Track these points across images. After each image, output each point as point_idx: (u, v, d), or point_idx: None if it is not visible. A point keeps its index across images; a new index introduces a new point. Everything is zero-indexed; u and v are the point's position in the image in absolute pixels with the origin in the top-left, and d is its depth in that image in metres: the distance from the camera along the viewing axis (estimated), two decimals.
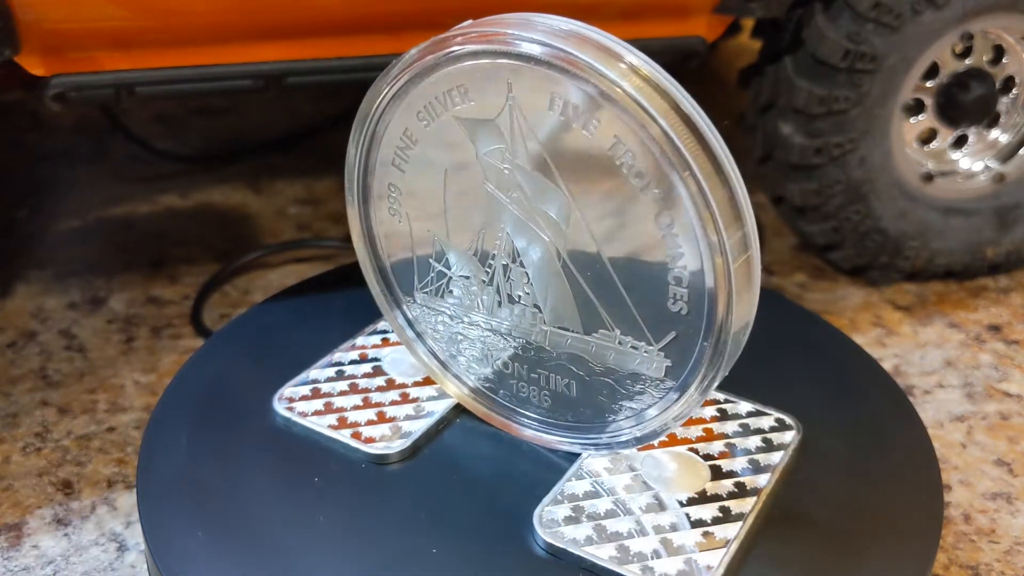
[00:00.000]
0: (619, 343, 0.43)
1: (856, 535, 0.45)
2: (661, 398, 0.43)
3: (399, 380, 0.54)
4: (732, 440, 0.49)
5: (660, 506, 0.45)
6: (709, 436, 0.49)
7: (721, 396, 0.52)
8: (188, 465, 0.49)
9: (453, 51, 0.41)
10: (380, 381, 0.54)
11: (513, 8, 0.41)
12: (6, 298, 0.81)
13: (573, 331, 0.45)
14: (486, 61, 0.40)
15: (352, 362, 0.55)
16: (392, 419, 0.51)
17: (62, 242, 0.90)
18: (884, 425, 0.52)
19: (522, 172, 0.42)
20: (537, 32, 0.38)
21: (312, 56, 0.67)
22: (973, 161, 0.82)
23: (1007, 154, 0.82)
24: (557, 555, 0.43)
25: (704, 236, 0.38)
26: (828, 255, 0.84)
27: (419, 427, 0.50)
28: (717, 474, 0.47)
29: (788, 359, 0.57)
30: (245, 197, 0.99)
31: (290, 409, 0.52)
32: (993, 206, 0.82)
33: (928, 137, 0.81)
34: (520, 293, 0.46)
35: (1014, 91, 0.81)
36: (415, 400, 0.52)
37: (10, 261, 0.86)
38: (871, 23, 0.71)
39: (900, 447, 0.51)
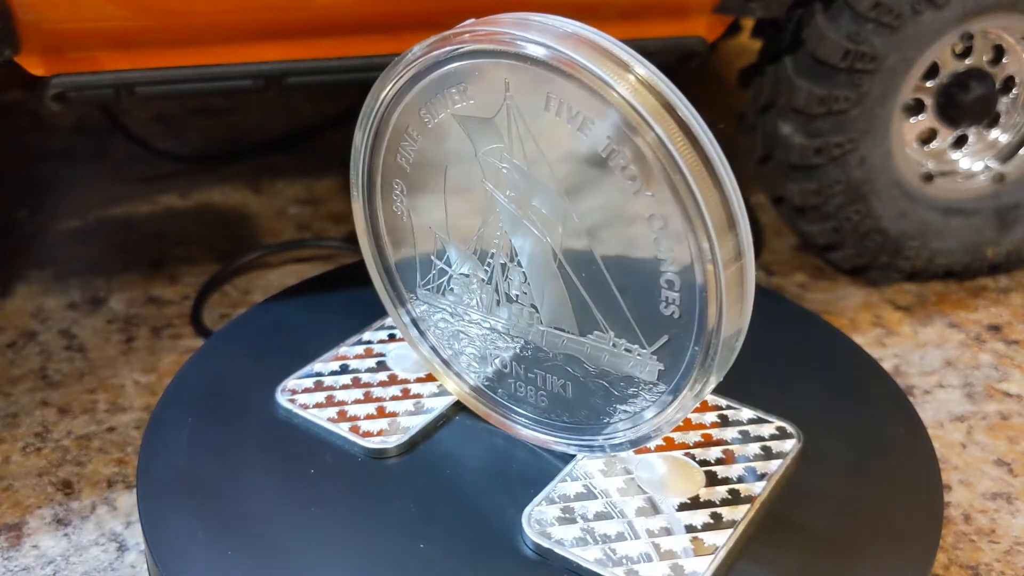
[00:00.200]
0: (613, 345, 0.43)
1: (856, 536, 0.45)
2: (654, 401, 0.43)
3: (402, 376, 0.54)
4: (730, 447, 0.48)
5: (651, 510, 0.45)
6: (707, 442, 0.49)
7: (723, 402, 0.51)
8: (188, 465, 0.49)
9: (453, 49, 0.41)
10: (383, 376, 0.54)
11: (514, 8, 0.41)
12: (6, 298, 0.81)
13: (568, 332, 0.45)
14: (485, 60, 0.41)
15: (357, 356, 0.56)
16: (391, 414, 0.51)
17: (62, 242, 0.90)
18: (884, 425, 0.52)
19: (519, 171, 0.42)
20: (534, 32, 0.38)
21: (312, 56, 0.67)
22: (973, 161, 0.82)
23: (1007, 154, 0.82)
24: (544, 555, 0.43)
25: (695, 242, 0.37)
26: (828, 255, 0.84)
27: (418, 423, 0.51)
28: (712, 480, 0.46)
29: (788, 359, 0.57)
30: (245, 197, 0.99)
31: (292, 401, 0.52)
32: (993, 206, 0.82)
33: (928, 137, 0.81)
34: (517, 292, 0.46)
35: (1014, 91, 0.81)
36: (416, 396, 0.53)
37: (10, 261, 0.86)
38: (871, 23, 0.71)
39: (900, 447, 0.51)
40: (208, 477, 0.48)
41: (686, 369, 0.41)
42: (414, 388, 0.53)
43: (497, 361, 0.49)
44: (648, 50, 0.70)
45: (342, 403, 0.52)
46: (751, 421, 0.50)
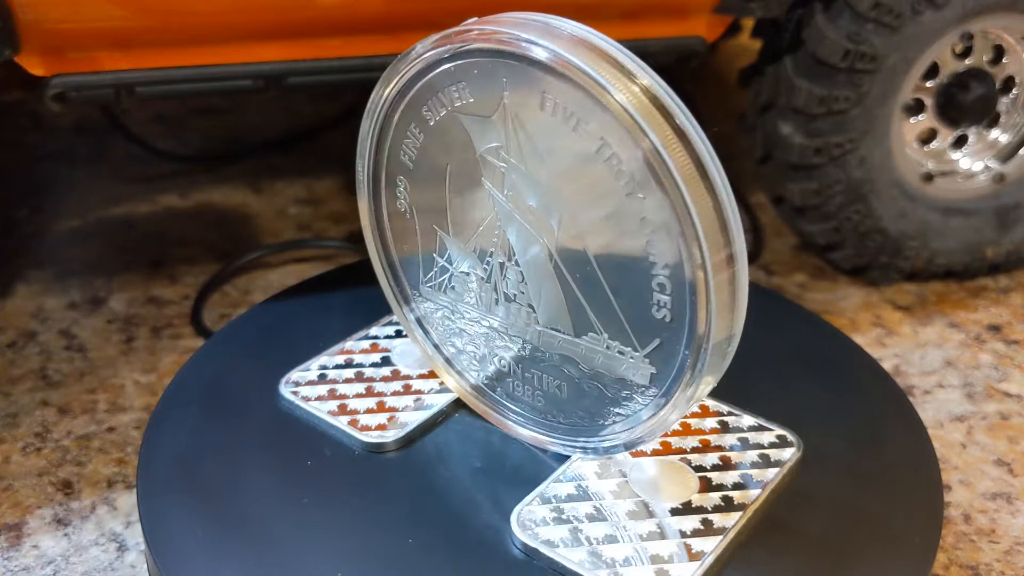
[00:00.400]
0: (607, 347, 0.43)
1: (855, 536, 0.45)
2: (647, 405, 0.43)
3: (405, 372, 0.54)
4: (728, 453, 0.48)
5: (643, 513, 0.44)
6: (705, 447, 0.49)
7: (725, 408, 0.51)
8: (188, 465, 0.49)
9: (454, 48, 0.41)
10: (386, 371, 0.54)
11: (514, 8, 0.41)
12: (6, 298, 0.81)
13: (564, 333, 0.45)
14: (484, 59, 0.41)
15: (363, 351, 0.56)
16: (391, 409, 0.51)
17: (62, 242, 0.90)
18: (884, 425, 0.52)
19: (517, 171, 0.43)
20: (533, 32, 0.39)
21: (312, 56, 0.67)
22: (973, 161, 0.82)
23: (1007, 154, 0.82)
24: (530, 555, 0.43)
25: (685, 246, 0.37)
26: (828, 255, 0.84)
27: (416, 419, 0.51)
28: (707, 486, 0.46)
29: (787, 359, 0.57)
30: (245, 197, 0.99)
31: (295, 393, 0.53)
32: (993, 206, 0.82)
33: (928, 137, 0.81)
34: (515, 292, 0.46)
35: (1014, 91, 0.81)
36: (417, 392, 0.53)
37: (10, 261, 0.86)
38: (871, 23, 0.71)
39: (900, 447, 0.51)
40: (208, 477, 0.48)
41: (677, 373, 0.40)
42: (416, 384, 0.53)
43: (496, 360, 0.49)
44: (648, 50, 0.71)
45: (343, 397, 0.52)
46: (751, 428, 0.50)
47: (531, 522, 0.44)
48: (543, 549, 0.43)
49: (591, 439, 0.46)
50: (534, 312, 0.46)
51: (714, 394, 0.49)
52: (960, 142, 0.82)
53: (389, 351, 0.56)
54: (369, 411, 0.51)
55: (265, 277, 0.84)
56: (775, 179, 0.80)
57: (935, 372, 0.73)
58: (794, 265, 0.88)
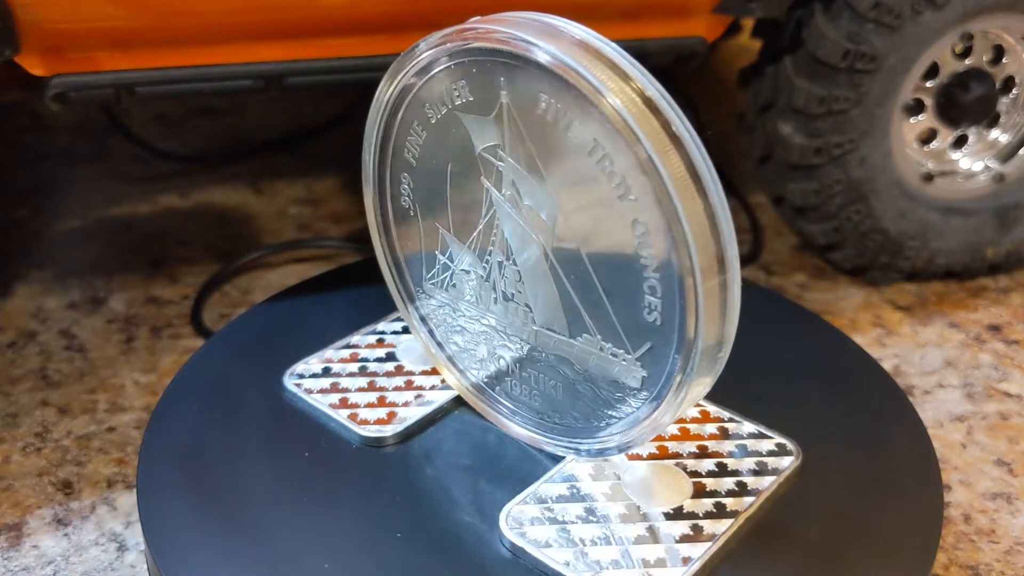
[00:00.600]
0: (600, 349, 0.43)
1: (854, 536, 0.45)
2: (638, 408, 0.43)
3: (408, 367, 0.55)
4: (725, 460, 0.48)
5: (633, 517, 0.44)
6: (702, 453, 0.48)
7: (726, 415, 0.51)
8: (188, 465, 0.49)
9: (455, 46, 0.41)
10: (390, 367, 0.55)
11: (514, 8, 0.41)
12: (6, 298, 0.81)
13: (559, 333, 0.45)
14: (483, 58, 0.41)
15: (368, 346, 0.57)
16: (391, 404, 0.52)
17: (62, 242, 0.90)
18: (884, 425, 0.52)
19: (514, 170, 0.43)
20: (530, 33, 0.39)
21: (312, 56, 0.67)
22: (973, 161, 0.82)
23: (1007, 154, 0.82)
24: (516, 554, 0.43)
25: (675, 251, 0.37)
26: (828, 255, 0.84)
27: (415, 414, 0.51)
28: (700, 492, 0.46)
29: (787, 360, 0.57)
30: (245, 197, 0.99)
31: (298, 385, 0.53)
32: (993, 206, 0.82)
33: (928, 137, 0.81)
34: (513, 291, 0.46)
35: (1014, 91, 0.81)
36: (418, 388, 0.53)
37: (10, 261, 0.86)
38: (871, 23, 0.71)
39: (900, 447, 0.51)
40: (208, 476, 0.48)
41: (667, 377, 0.40)
42: (418, 380, 0.54)
43: (496, 359, 0.49)
44: (648, 50, 0.71)
45: (345, 390, 0.53)
46: (751, 436, 0.50)
47: (520, 521, 0.44)
48: (529, 548, 0.43)
49: (585, 440, 0.46)
50: (531, 312, 0.46)
51: (714, 397, 0.49)
52: (960, 142, 0.82)
53: (395, 347, 0.57)
54: (370, 405, 0.52)
55: (265, 277, 0.84)
56: (775, 179, 0.80)
57: (935, 372, 0.73)
58: (794, 265, 0.88)
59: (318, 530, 0.45)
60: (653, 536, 0.43)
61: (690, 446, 0.49)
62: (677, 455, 0.48)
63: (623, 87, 0.37)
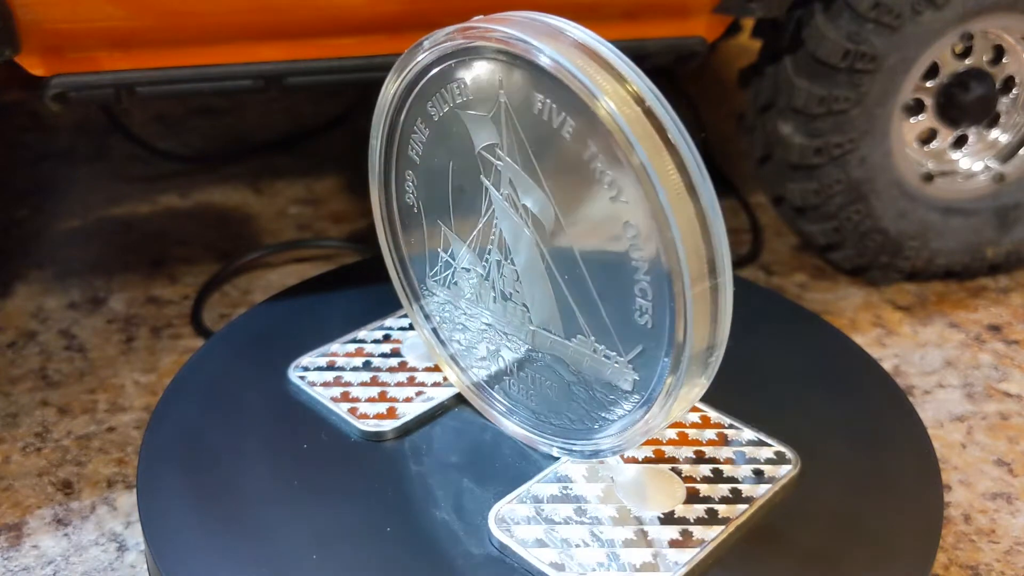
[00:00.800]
0: (594, 350, 0.43)
1: (854, 534, 0.45)
2: (630, 411, 0.42)
3: (411, 363, 0.55)
4: (721, 466, 0.47)
5: (623, 520, 0.44)
6: (699, 458, 0.48)
7: (727, 420, 0.51)
8: (188, 465, 0.49)
9: (456, 45, 0.42)
10: (393, 362, 0.55)
11: (514, 7, 0.42)
12: (6, 298, 0.81)
13: (555, 334, 0.45)
14: (484, 58, 0.41)
15: (375, 341, 0.57)
16: (392, 399, 0.52)
17: (62, 242, 0.90)
18: (884, 425, 0.52)
19: (512, 170, 0.43)
20: (529, 33, 0.39)
21: (312, 56, 0.67)
22: (973, 161, 0.82)
23: (1007, 154, 0.82)
24: (503, 552, 0.43)
25: (664, 254, 0.37)
26: (828, 255, 0.84)
27: (415, 410, 0.51)
28: (693, 498, 0.46)
29: (786, 360, 0.57)
30: (245, 197, 0.99)
31: (302, 378, 0.54)
32: (993, 206, 0.82)
33: (928, 137, 0.81)
34: (511, 290, 0.46)
35: (1014, 91, 0.81)
36: (420, 384, 0.53)
37: (10, 261, 0.86)
38: (871, 23, 0.71)
39: (900, 447, 0.51)
40: (208, 476, 0.48)
41: (658, 381, 0.40)
42: (420, 376, 0.54)
43: (496, 359, 0.49)
44: (648, 50, 0.71)
45: (348, 384, 0.53)
46: (750, 443, 0.49)
47: (509, 520, 0.44)
48: (516, 547, 0.43)
49: (579, 441, 0.46)
50: (528, 311, 0.46)
51: (713, 400, 0.49)
52: (960, 142, 0.82)
53: (400, 343, 0.57)
54: (371, 400, 0.52)
55: (265, 277, 0.84)
56: (775, 179, 0.80)
57: (935, 372, 0.73)
58: (794, 265, 0.88)
59: (315, 527, 0.45)
60: (642, 540, 0.43)
61: (687, 451, 0.49)
62: (674, 460, 0.48)
63: (618, 90, 0.37)
